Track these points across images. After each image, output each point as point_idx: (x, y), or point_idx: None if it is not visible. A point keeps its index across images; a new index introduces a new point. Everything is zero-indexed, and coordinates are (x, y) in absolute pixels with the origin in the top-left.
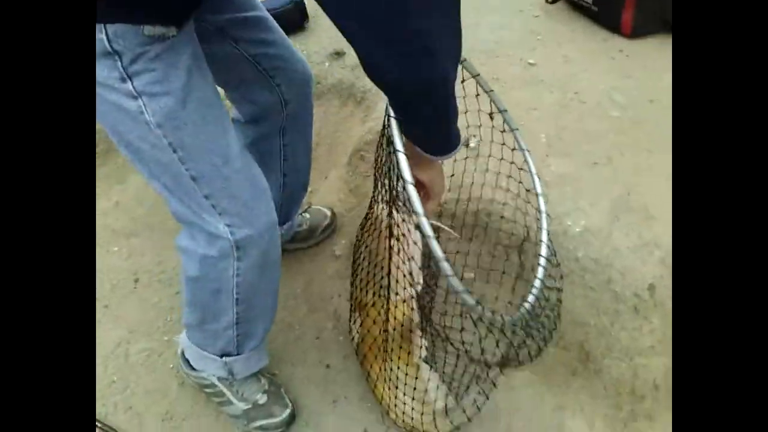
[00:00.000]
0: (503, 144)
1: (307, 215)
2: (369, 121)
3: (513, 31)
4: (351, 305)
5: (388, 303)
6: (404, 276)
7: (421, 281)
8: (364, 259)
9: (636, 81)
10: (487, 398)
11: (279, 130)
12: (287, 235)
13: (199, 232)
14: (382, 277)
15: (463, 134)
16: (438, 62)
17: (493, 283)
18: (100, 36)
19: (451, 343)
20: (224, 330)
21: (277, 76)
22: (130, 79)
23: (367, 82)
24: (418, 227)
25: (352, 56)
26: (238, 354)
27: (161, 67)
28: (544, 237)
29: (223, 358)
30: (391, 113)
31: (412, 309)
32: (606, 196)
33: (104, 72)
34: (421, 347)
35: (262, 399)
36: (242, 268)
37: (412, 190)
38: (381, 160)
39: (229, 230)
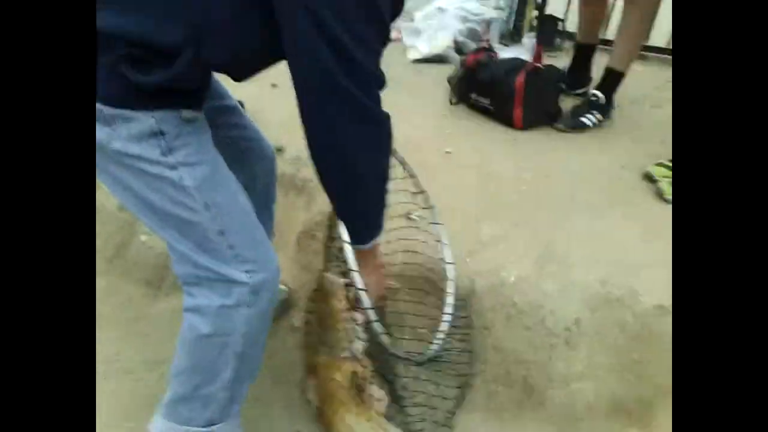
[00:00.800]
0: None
1: None
2: (313, 207)
3: (427, 128)
4: (303, 366)
5: (332, 360)
6: (354, 336)
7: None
8: (314, 323)
9: (534, 162)
10: None
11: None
12: None
13: (215, 284)
14: (330, 339)
15: (406, 208)
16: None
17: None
18: (150, 120)
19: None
20: (218, 391)
21: (251, 156)
22: (172, 153)
23: (307, 174)
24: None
25: (290, 151)
26: (221, 421)
27: (195, 142)
28: (451, 300)
29: (210, 427)
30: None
31: (363, 366)
32: (531, 251)
33: (149, 149)
34: (380, 400)
35: None
36: (252, 315)
37: (356, 276)
38: (328, 242)
39: (248, 275)
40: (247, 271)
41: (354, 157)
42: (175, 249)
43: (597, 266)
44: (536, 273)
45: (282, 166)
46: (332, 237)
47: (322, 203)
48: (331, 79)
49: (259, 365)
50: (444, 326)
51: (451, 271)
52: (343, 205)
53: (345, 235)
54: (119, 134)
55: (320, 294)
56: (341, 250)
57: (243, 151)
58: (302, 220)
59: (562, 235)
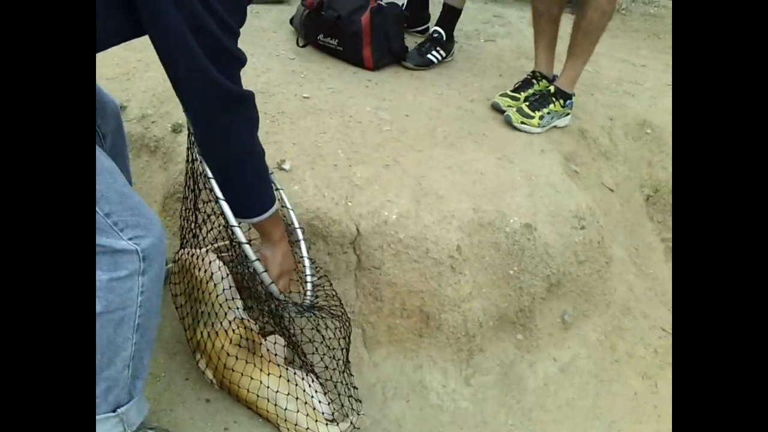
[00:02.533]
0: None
1: None
2: (171, 167)
3: (277, 72)
4: (191, 348)
5: (214, 331)
6: (226, 300)
7: (239, 303)
8: (186, 302)
9: (390, 102)
10: (359, 414)
11: None
12: None
13: (99, 258)
14: (203, 312)
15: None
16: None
17: (335, 278)
18: None
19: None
20: (120, 372)
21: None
22: None
23: (157, 132)
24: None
25: (134, 108)
26: (129, 400)
27: None
28: (307, 263)
29: (117, 411)
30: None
31: (246, 328)
32: (405, 188)
33: None
34: (277, 354)
35: None
36: (146, 283)
37: (224, 205)
38: (185, 208)
39: (134, 242)
40: (131, 238)
41: (228, 140)
42: None
43: (466, 195)
44: (414, 208)
45: (128, 126)
46: (188, 207)
47: (182, 162)
48: (204, 75)
49: (155, 331)
50: (309, 286)
51: (299, 234)
52: (225, 181)
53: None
54: None
55: (181, 273)
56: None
57: None
58: (162, 182)
59: (429, 170)
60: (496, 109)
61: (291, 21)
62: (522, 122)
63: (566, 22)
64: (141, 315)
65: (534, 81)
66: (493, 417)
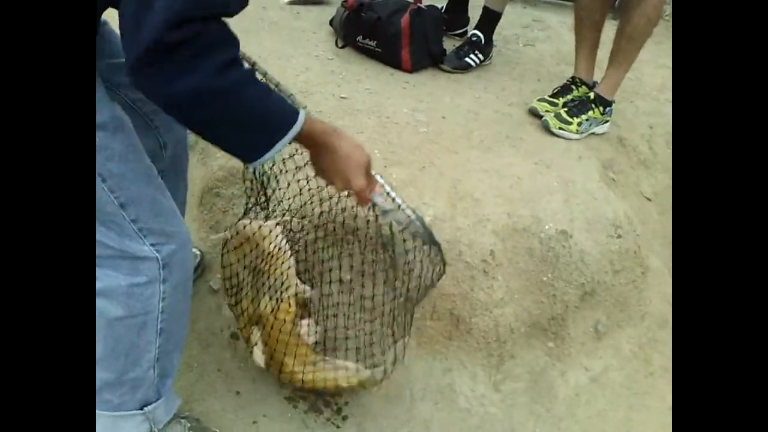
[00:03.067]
0: None
1: None
2: (210, 162)
3: (316, 72)
4: (241, 326)
5: (277, 304)
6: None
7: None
8: (248, 274)
9: (427, 104)
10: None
11: (159, 174)
12: None
13: (118, 262)
14: (267, 284)
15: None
16: None
17: (369, 278)
18: None
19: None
20: (146, 372)
21: (156, 119)
22: None
23: None
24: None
25: None
26: (156, 399)
27: None
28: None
29: (144, 409)
30: None
31: (293, 305)
32: (440, 191)
33: None
34: (309, 335)
35: None
36: (167, 290)
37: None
38: (251, 180)
39: (155, 248)
40: (153, 245)
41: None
42: None
43: (502, 199)
44: (450, 211)
45: None
46: (251, 178)
47: (221, 157)
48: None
49: (185, 335)
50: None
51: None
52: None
53: None
54: None
55: (241, 242)
56: None
57: (147, 115)
58: (200, 176)
59: (465, 174)
60: (534, 114)
61: (331, 22)
62: (560, 128)
63: (608, 28)
64: (164, 320)
65: (573, 87)
66: (522, 424)
